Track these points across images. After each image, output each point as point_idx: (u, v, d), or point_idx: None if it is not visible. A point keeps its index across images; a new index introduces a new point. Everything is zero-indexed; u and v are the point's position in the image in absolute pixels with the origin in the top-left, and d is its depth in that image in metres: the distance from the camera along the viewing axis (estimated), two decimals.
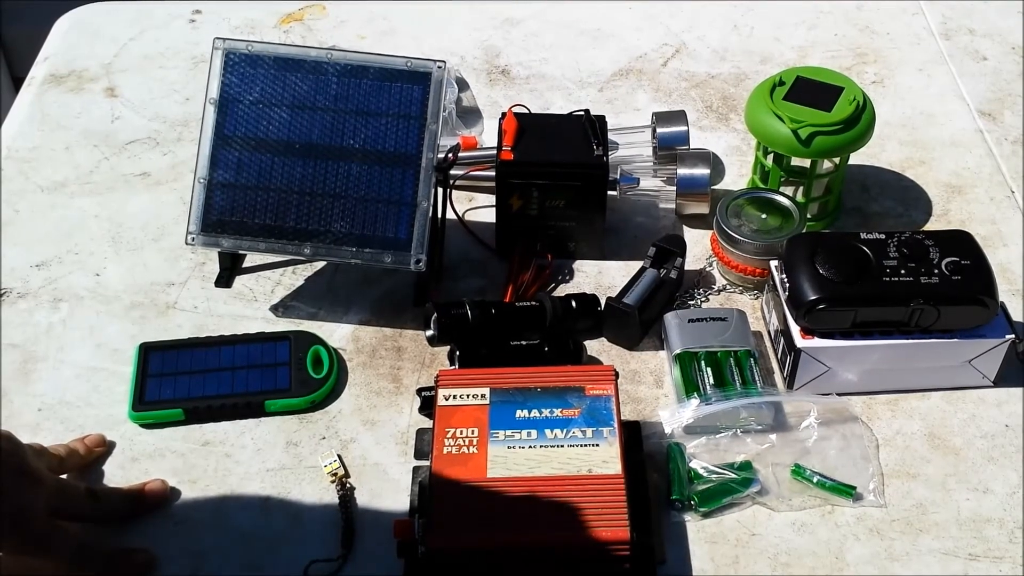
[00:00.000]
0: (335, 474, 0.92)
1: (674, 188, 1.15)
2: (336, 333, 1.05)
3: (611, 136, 1.15)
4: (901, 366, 0.97)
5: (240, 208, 1.02)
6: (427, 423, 0.93)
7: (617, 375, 0.93)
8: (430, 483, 0.85)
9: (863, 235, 0.98)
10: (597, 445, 0.87)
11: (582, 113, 1.09)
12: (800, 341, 0.96)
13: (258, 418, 0.98)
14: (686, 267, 1.08)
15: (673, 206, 1.16)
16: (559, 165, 1.06)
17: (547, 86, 1.35)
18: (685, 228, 1.16)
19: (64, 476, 0.91)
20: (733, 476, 0.91)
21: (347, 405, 0.99)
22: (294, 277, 1.11)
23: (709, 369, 0.97)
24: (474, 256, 1.13)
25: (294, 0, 1.47)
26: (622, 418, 0.90)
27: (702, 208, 1.15)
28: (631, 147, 1.22)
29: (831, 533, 0.89)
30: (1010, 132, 1.27)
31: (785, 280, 0.98)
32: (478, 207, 1.18)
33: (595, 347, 1.04)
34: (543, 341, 1.00)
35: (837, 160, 1.12)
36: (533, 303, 1.03)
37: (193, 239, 1.02)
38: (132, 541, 0.88)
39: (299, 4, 1.47)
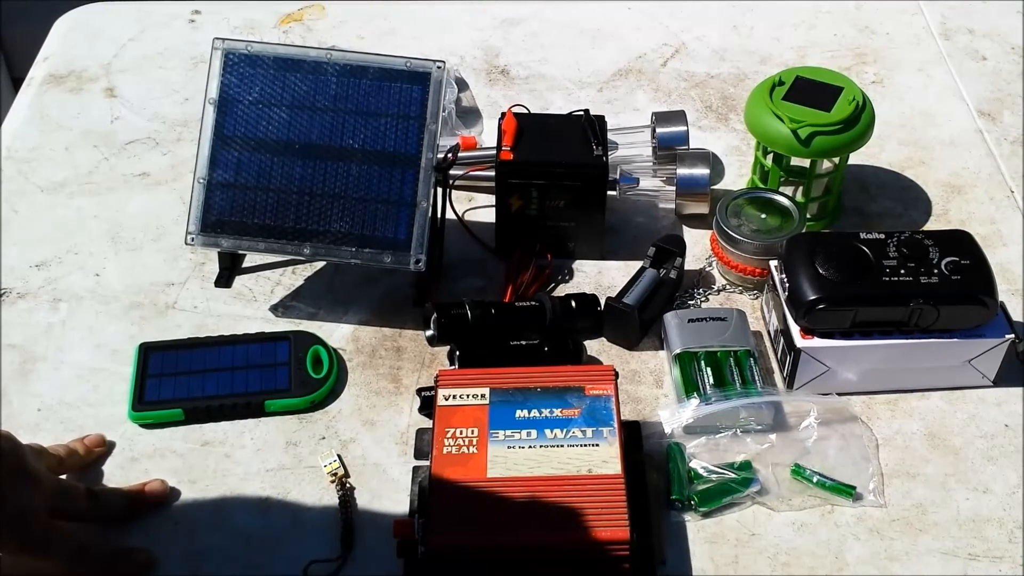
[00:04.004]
0: (335, 474, 0.92)
1: (674, 188, 1.15)
2: (336, 333, 1.05)
3: (611, 136, 1.15)
4: (901, 366, 0.97)
5: (239, 208, 1.02)
6: (427, 423, 0.93)
7: (617, 375, 0.93)
8: (430, 483, 0.85)
9: (863, 235, 0.98)
10: (597, 445, 0.87)
11: (582, 113, 1.10)
12: (800, 341, 0.96)
13: (258, 418, 0.98)
14: (686, 267, 1.08)
15: (673, 206, 1.16)
16: (559, 165, 1.06)
17: (546, 86, 1.35)
18: (685, 228, 1.16)
19: (63, 476, 0.91)
20: (733, 476, 0.91)
21: (347, 405, 0.99)
22: (294, 277, 1.11)
23: (709, 369, 0.97)
24: (474, 256, 1.13)
25: (294, 0, 1.47)
26: (622, 418, 0.90)
27: (702, 208, 1.15)
28: (631, 147, 1.22)
29: (831, 533, 0.89)
30: (1009, 132, 1.27)
31: (785, 280, 0.98)
32: (478, 207, 1.18)
33: (595, 347, 1.04)
34: (543, 341, 1.00)
35: (836, 160, 1.12)
36: (533, 303, 1.03)
37: (192, 239, 1.02)
38: (132, 541, 0.88)
39: (299, 4, 1.47)
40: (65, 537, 0.83)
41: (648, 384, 1.01)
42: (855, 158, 1.15)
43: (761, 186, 1.15)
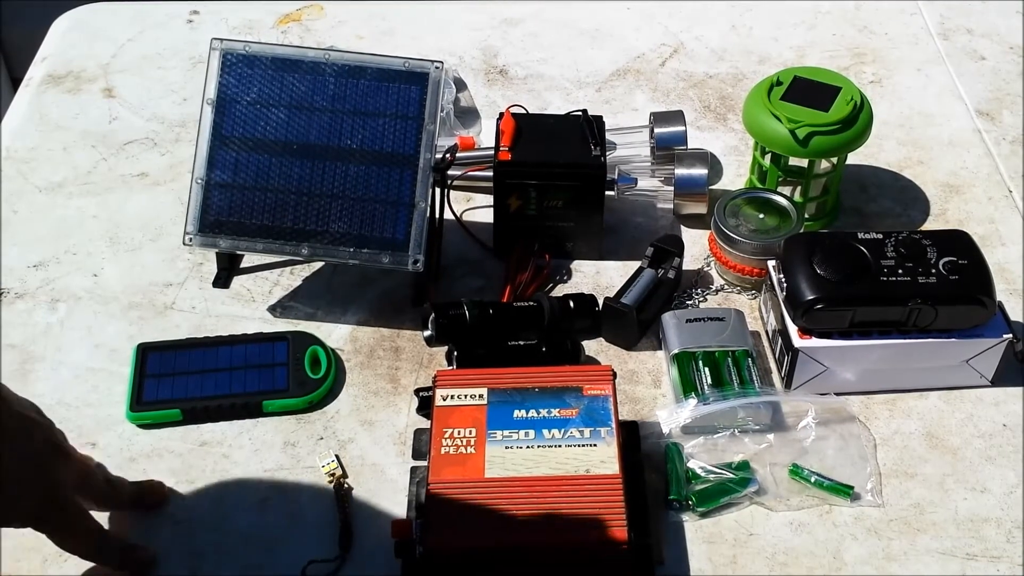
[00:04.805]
0: (333, 474, 0.92)
1: (672, 188, 1.15)
2: (334, 333, 1.05)
3: (609, 136, 1.15)
4: (899, 366, 0.97)
5: (238, 208, 1.02)
6: (425, 423, 0.93)
7: (615, 375, 0.93)
8: (428, 483, 0.85)
9: (861, 235, 0.98)
10: (595, 445, 0.87)
11: (580, 113, 1.10)
12: (798, 341, 0.96)
13: (256, 418, 0.98)
14: (684, 267, 1.08)
15: (671, 206, 1.16)
16: (557, 165, 1.06)
17: (545, 86, 1.35)
18: (683, 228, 1.16)
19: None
20: (731, 476, 0.91)
21: (345, 405, 0.99)
22: (292, 277, 1.11)
23: (707, 369, 0.97)
24: (472, 256, 1.13)
25: (292, 0, 1.47)
26: (620, 418, 0.90)
27: (700, 208, 1.15)
28: (629, 147, 1.22)
29: (829, 533, 0.89)
30: (1008, 132, 1.27)
31: (783, 280, 0.97)
32: (476, 207, 1.18)
33: (593, 347, 1.04)
34: (541, 341, 1.00)
35: (835, 160, 1.12)
36: (531, 303, 1.03)
37: (191, 239, 1.02)
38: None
39: (297, 4, 1.47)
40: (89, 519, 0.83)
41: (646, 384, 1.01)
42: (853, 158, 1.15)
43: (759, 186, 1.15)
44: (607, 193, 1.09)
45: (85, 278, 1.11)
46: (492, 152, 1.08)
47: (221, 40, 1.03)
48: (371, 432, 0.97)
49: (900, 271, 0.95)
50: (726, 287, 1.10)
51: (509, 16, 1.45)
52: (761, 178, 1.15)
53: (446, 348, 1.00)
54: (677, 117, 1.20)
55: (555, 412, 0.89)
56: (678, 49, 1.40)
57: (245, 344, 1.01)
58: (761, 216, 1.09)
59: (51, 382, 1.01)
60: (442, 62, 1.03)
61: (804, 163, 1.10)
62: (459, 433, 0.88)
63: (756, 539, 0.89)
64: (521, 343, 1.00)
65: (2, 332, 1.05)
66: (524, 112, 1.12)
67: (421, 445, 0.94)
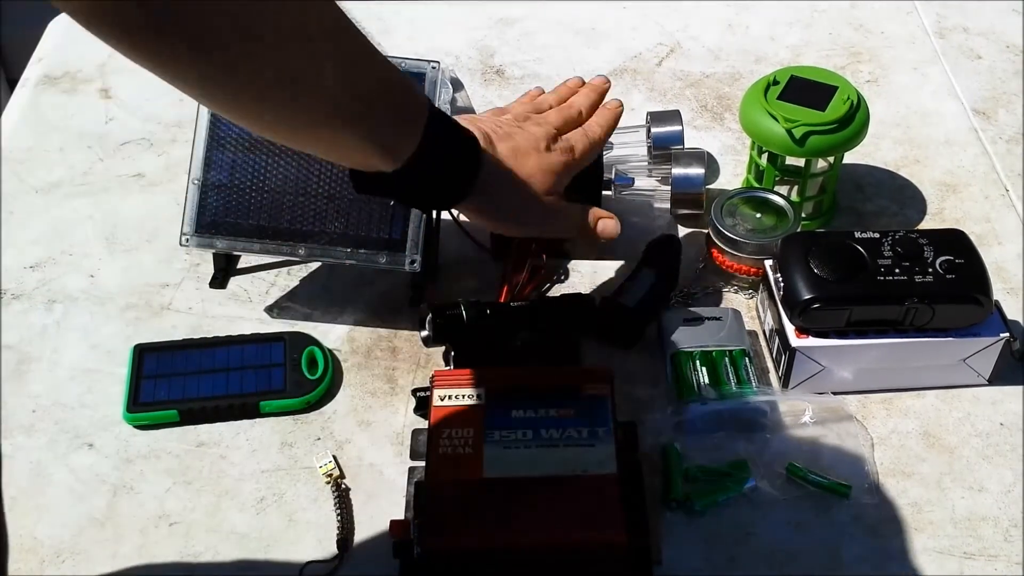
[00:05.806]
0: (330, 475, 0.92)
1: (669, 188, 1.15)
2: (331, 334, 1.05)
3: None
4: (896, 365, 0.97)
5: (234, 209, 1.02)
6: (422, 424, 0.93)
7: (613, 375, 0.93)
8: (426, 484, 0.85)
9: (857, 234, 0.98)
10: (593, 445, 0.87)
11: None
12: (795, 340, 0.96)
13: (253, 419, 0.98)
14: (681, 267, 1.08)
15: (668, 206, 1.16)
16: None
17: (542, 86, 1.34)
18: (680, 228, 1.16)
19: None
20: (729, 475, 0.91)
21: (342, 406, 0.99)
22: (289, 278, 1.11)
23: (704, 369, 0.97)
24: (469, 256, 1.13)
25: None
26: (618, 418, 0.90)
27: (697, 208, 1.15)
28: (625, 147, 1.21)
29: (826, 532, 0.89)
30: (1005, 130, 1.27)
31: (780, 279, 0.98)
32: None
33: (590, 347, 1.04)
34: (538, 341, 1.00)
35: (831, 159, 1.12)
36: (528, 303, 1.03)
37: (187, 240, 1.02)
38: (128, 540, 0.88)
39: None
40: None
41: (644, 384, 1.01)
42: (850, 157, 1.15)
43: (756, 185, 1.15)
44: (604, 193, 1.08)
45: (82, 279, 1.10)
46: None
47: None
48: (368, 432, 0.97)
49: (897, 270, 0.95)
50: (723, 286, 1.10)
51: (505, 16, 1.45)
52: (758, 177, 1.15)
53: (443, 348, 1.00)
54: (674, 117, 1.20)
55: (553, 412, 0.89)
56: (675, 48, 1.40)
57: (242, 345, 1.01)
58: (758, 215, 1.09)
59: (48, 383, 1.01)
60: (439, 62, 1.03)
61: (801, 162, 1.10)
62: (457, 433, 0.88)
63: (754, 538, 0.89)
64: (519, 343, 1.00)
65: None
66: None
67: (419, 445, 0.93)
